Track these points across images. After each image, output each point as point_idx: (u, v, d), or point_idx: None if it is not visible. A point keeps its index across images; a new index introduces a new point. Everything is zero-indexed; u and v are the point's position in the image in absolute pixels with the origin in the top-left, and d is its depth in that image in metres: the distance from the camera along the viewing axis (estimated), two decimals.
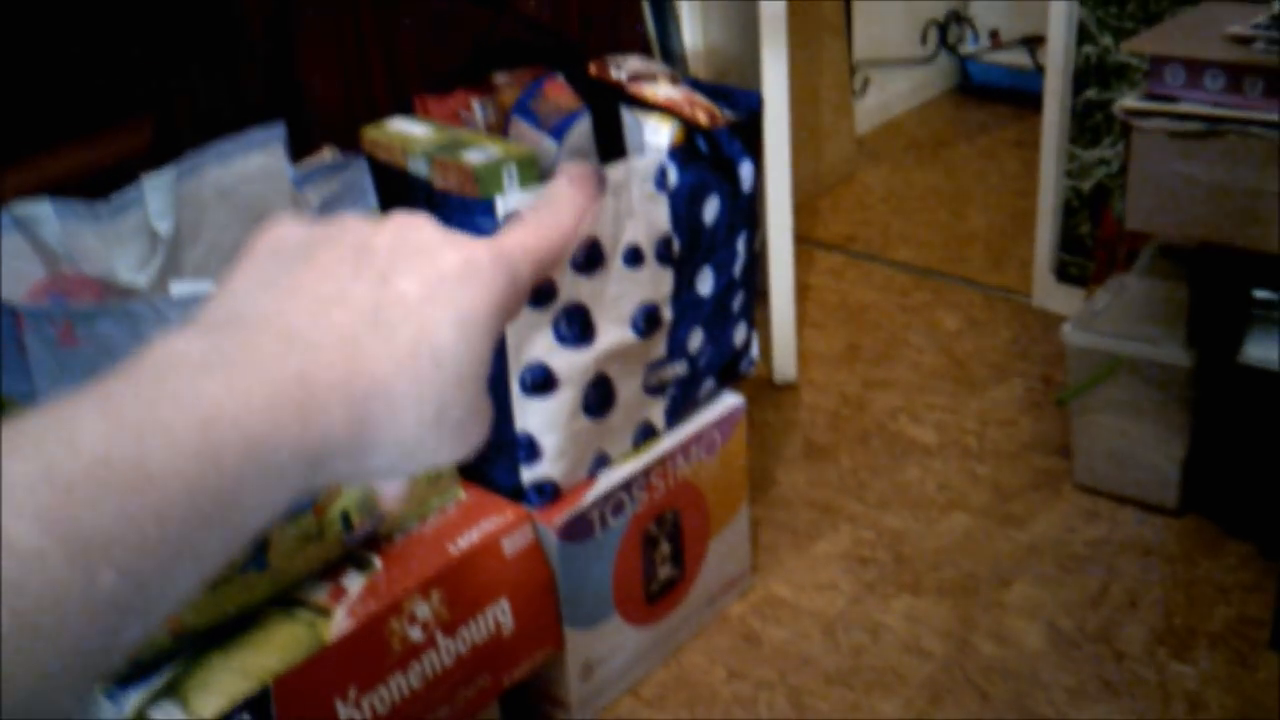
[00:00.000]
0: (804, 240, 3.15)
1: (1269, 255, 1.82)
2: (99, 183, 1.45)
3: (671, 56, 2.27)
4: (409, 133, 1.61)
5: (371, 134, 1.61)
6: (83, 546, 0.31)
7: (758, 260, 1.93)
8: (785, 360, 2.55)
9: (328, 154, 1.59)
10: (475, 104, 1.76)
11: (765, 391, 2.55)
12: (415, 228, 0.43)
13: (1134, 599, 1.94)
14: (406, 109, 1.72)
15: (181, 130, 1.52)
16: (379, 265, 0.42)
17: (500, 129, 1.72)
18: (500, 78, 1.77)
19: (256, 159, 1.50)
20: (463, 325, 0.42)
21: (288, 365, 0.38)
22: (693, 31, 2.64)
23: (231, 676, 1.35)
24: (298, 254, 0.42)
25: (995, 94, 4.03)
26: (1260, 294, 1.87)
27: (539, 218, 0.47)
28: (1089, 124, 2.58)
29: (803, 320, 2.78)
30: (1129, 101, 1.90)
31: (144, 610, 0.33)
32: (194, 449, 0.34)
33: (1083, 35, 2.54)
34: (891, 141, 3.81)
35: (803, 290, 2.90)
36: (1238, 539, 2.05)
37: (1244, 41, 1.81)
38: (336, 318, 0.40)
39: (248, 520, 0.36)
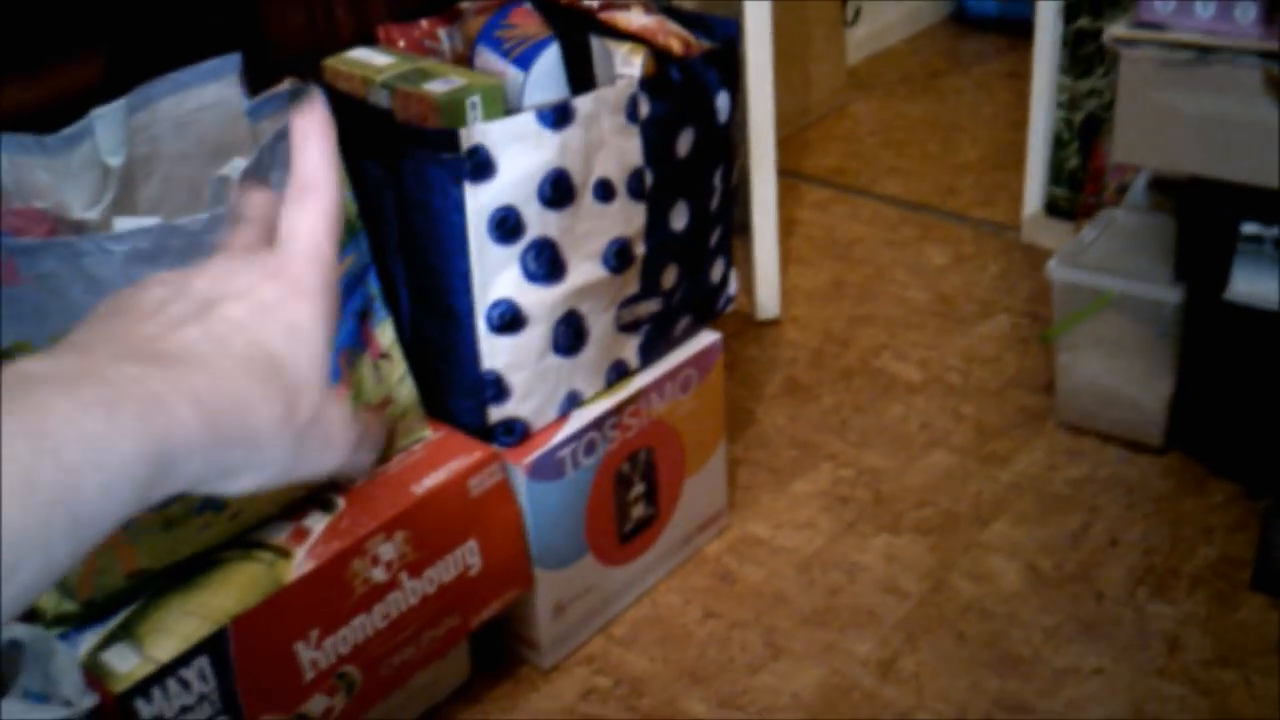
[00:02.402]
0: (791, 173, 3.10)
1: (1258, 188, 1.77)
2: (50, 117, 1.41)
3: None
4: (371, 62, 1.56)
5: (332, 64, 1.57)
6: None
7: (735, 194, 1.89)
8: (768, 296, 2.51)
9: (288, 84, 1.54)
10: (442, 33, 1.71)
11: (747, 328, 2.52)
12: (229, 273, 0.47)
13: (1115, 538, 1.92)
14: (370, 39, 1.67)
15: (136, 63, 1.47)
16: (204, 299, 0.46)
17: (467, 59, 1.67)
18: (467, 4, 1.72)
19: (211, 90, 1.46)
20: (293, 333, 0.46)
21: (124, 372, 0.41)
22: None
23: (188, 618, 1.33)
24: (132, 304, 0.46)
25: (990, 24, 3.96)
26: (1248, 228, 1.83)
27: (310, 196, 0.49)
28: (1081, 53, 2.52)
29: (788, 255, 2.74)
30: (1118, 29, 1.84)
31: None
32: (29, 445, 0.36)
33: None
34: (883, 72, 3.74)
35: (789, 224, 2.86)
36: (1222, 478, 2.02)
37: None
38: (172, 339, 0.44)
39: (94, 513, 0.38)
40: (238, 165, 1.28)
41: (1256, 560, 1.82)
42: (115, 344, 0.44)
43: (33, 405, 0.38)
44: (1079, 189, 2.61)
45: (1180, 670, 1.70)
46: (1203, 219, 1.91)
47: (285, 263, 0.47)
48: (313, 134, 0.50)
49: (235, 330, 0.45)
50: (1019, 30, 3.59)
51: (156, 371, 0.42)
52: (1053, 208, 2.68)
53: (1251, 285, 1.84)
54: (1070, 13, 2.50)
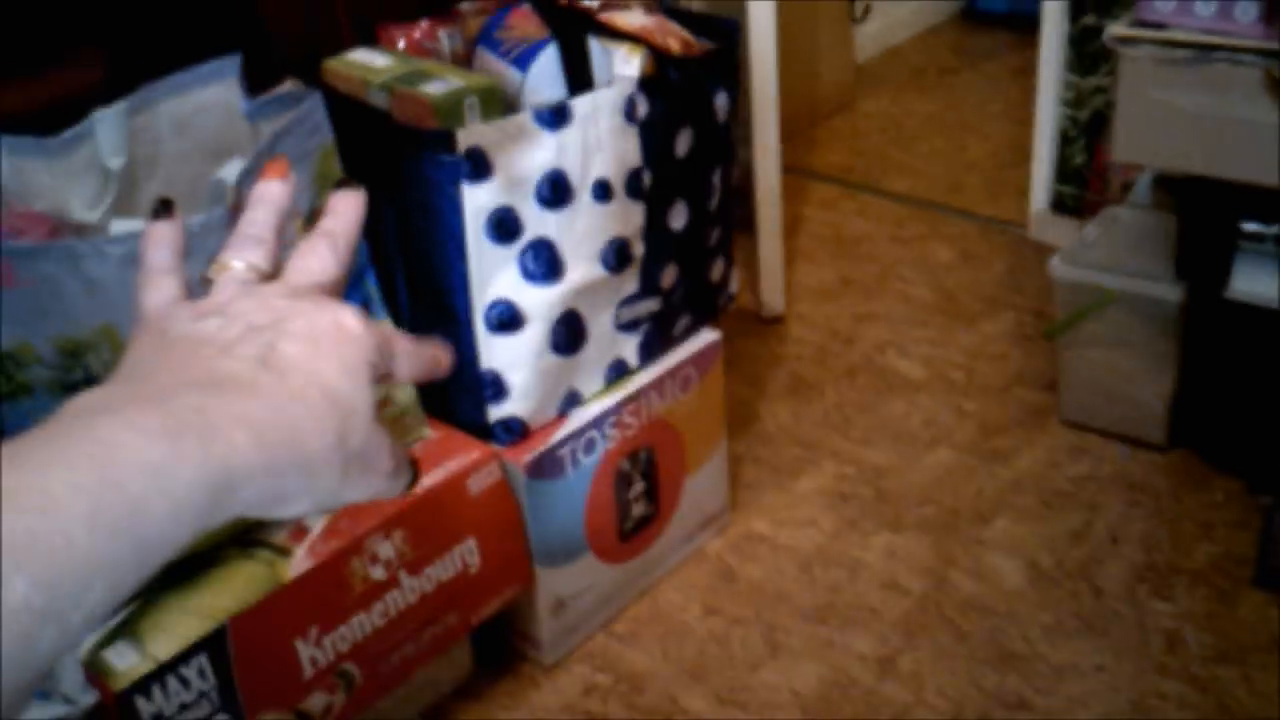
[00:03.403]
0: (798, 170, 3.11)
1: (1258, 187, 1.77)
2: (51, 119, 1.42)
3: None
4: (370, 63, 1.57)
5: (332, 65, 1.58)
6: None
7: (736, 193, 1.89)
8: (773, 293, 2.52)
9: (288, 86, 1.55)
10: (442, 34, 1.72)
11: (752, 325, 2.52)
12: (288, 311, 0.50)
13: (1116, 536, 1.92)
14: (370, 40, 1.68)
15: (137, 65, 1.48)
16: (264, 333, 0.48)
17: (467, 60, 1.68)
18: (466, 6, 1.73)
19: (212, 91, 1.47)
20: (345, 372, 0.48)
21: (186, 401, 0.43)
22: None
23: (188, 617, 1.34)
24: (187, 333, 0.49)
25: (1000, 20, 3.95)
26: (1249, 226, 1.83)
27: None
28: (1087, 51, 2.52)
29: (794, 252, 2.74)
30: (1118, 28, 1.84)
31: (59, 617, 0.37)
32: (94, 474, 0.38)
33: None
34: (892, 69, 3.74)
35: (795, 222, 2.87)
36: (1225, 475, 2.02)
37: None
38: (230, 366, 0.46)
39: (158, 539, 0.40)
40: (234, 166, 1.30)
41: (1258, 557, 1.82)
42: (172, 373, 0.46)
43: (97, 437, 0.40)
44: (1085, 186, 2.61)
45: (1180, 667, 1.70)
46: (1203, 217, 1.90)
47: (349, 312, 0.51)
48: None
49: (293, 368, 0.47)
50: (1028, 26, 3.58)
51: (215, 400, 0.44)
52: (1059, 205, 2.68)
53: (1252, 283, 1.84)
54: (1076, 10, 2.50)
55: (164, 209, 0.56)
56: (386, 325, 0.53)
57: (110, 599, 0.39)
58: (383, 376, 0.51)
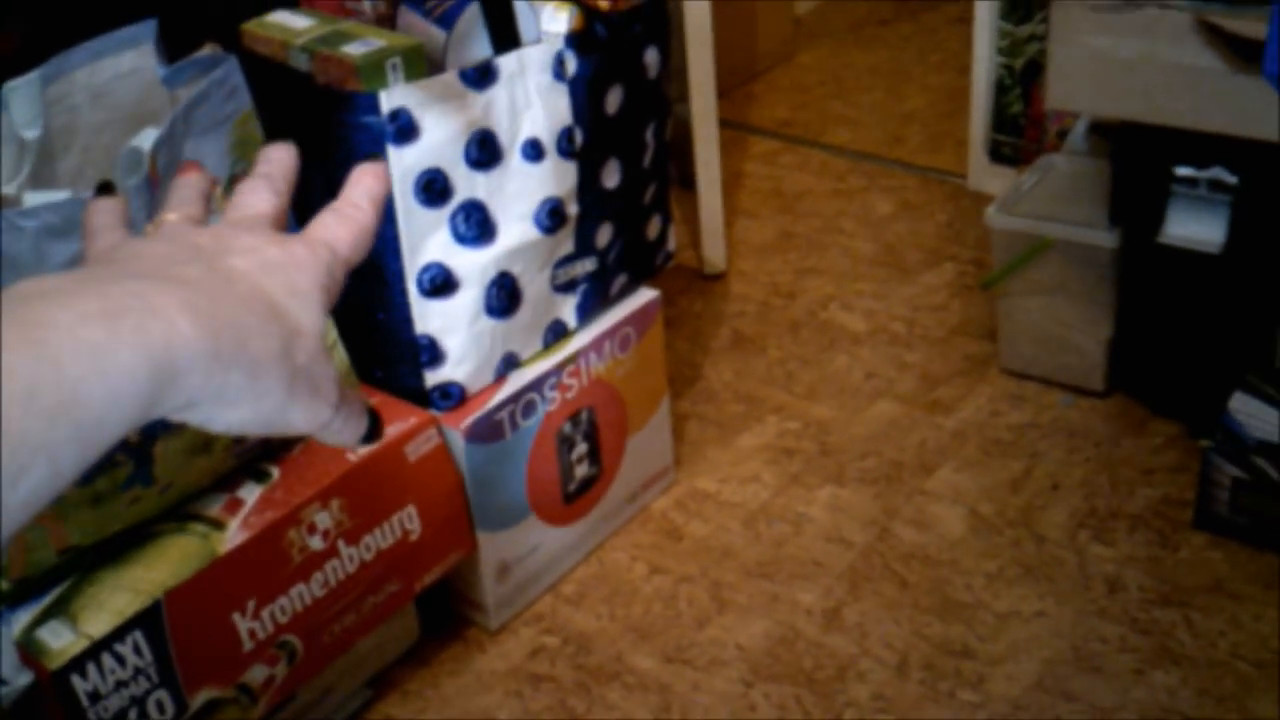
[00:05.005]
0: (738, 125, 3.09)
1: (1191, 131, 1.78)
2: None
3: None
4: (290, 25, 1.54)
5: (251, 28, 1.55)
6: None
7: (672, 149, 1.88)
8: (714, 250, 2.51)
9: (206, 50, 1.52)
10: None
11: (694, 282, 2.51)
12: (233, 235, 0.51)
13: (1056, 482, 1.94)
14: (290, 1, 1.65)
15: (51, 34, 1.44)
16: (208, 250, 0.49)
17: (390, 19, 1.65)
18: None
19: (128, 58, 1.43)
20: (292, 290, 0.48)
21: (128, 287, 0.42)
22: None
23: (122, 593, 1.32)
24: (132, 250, 0.50)
25: None
26: (1182, 170, 1.83)
27: (344, 212, 0.55)
28: None
29: (734, 209, 2.73)
30: None
31: None
32: (30, 353, 0.38)
33: None
34: (832, 21, 3.72)
35: (735, 177, 2.85)
36: (1164, 419, 2.04)
37: None
38: (174, 271, 0.46)
39: (97, 421, 0.39)
40: (149, 135, 1.27)
41: (1197, 500, 1.84)
42: (116, 268, 0.46)
43: (32, 318, 0.39)
44: (1021, 135, 2.61)
45: (1121, 611, 1.72)
46: (1136, 163, 1.91)
47: (296, 239, 0.51)
48: (370, 176, 0.58)
49: (237, 274, 0.47)
50: None
51: (157, 287, 0.43)
52: (997, 154, 2.69)
53: (1186, 228, 1.85)
54: None
55: (106, 189, 0.57)
56: (333, 240, 0.53)
57: (50, 484, 0.39)
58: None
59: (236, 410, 0.45)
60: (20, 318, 0.39)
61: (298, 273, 0.49)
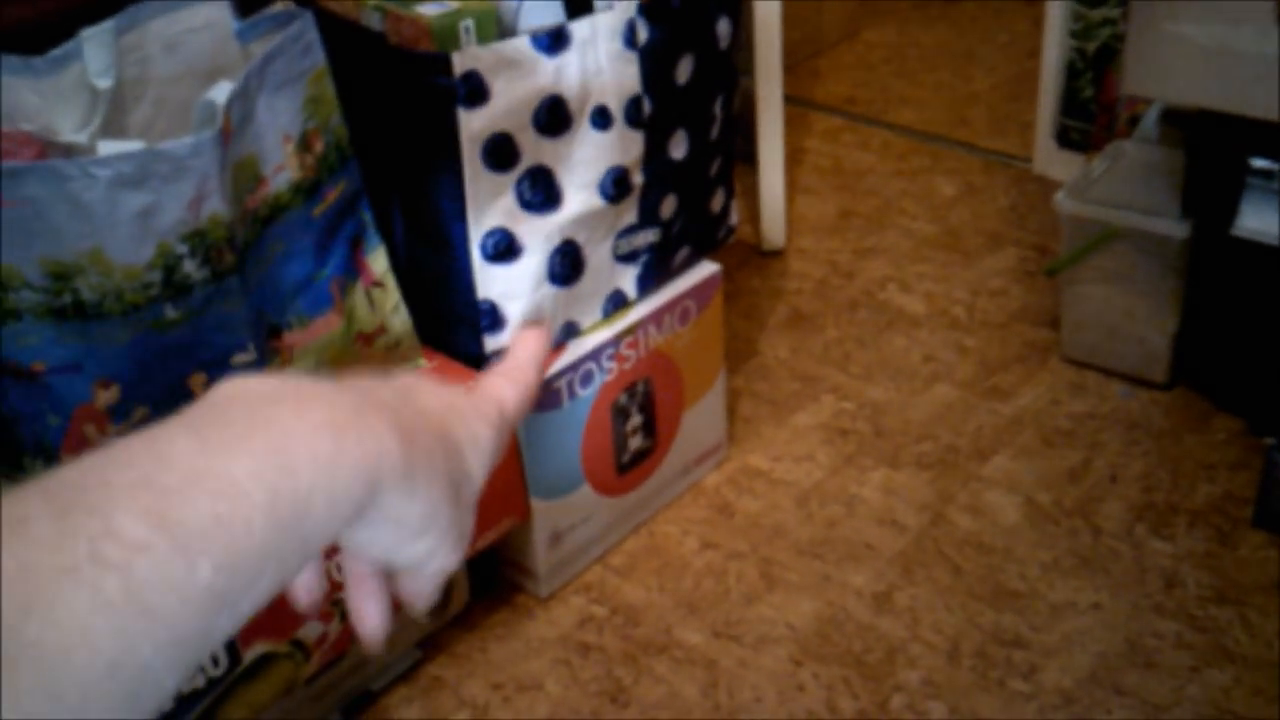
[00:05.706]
0: (801, 102, 3.06)
1: (1268, 123, 1.74)
2: (39, 38, 1.39)
3: None
4: None
5: None
6: (183, 541, 0.36)
7: (737, 123, 1.86)
8: (774, 226, 2.49)
9: (279, 6, 1.51)
10: None
11: (752, 259, 2.50)
12: (422, 381, 0.51)
13: (1115, 474, 1.91)
14: None
15: None
16: (401, 388, 0.49)
17: None
18: None
19: (202, 12, 1.43)
20: (473, 442, 0.50)
21: (345, 400, 0.43)
22: None
23: None
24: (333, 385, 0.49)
25: None
26: (1258, 163, 1.80)
27: (512, 374, 0.56)
28: None
29: (795, 185, 2.71)
30: None
31: (234, 604, 0.37)
32: (272, 461, 0.39)
33: None
34: None
35: (797, 154, 2.83)
36: (1226, 415, 2.01)
37: None
38: (376, 395, 0.46)
39: (317, 530, 0.40)
40: (224, 88, 1.27)
41: (1258, 498, 1.81)
42: (322, 383, 0.46)
43: (275, 427, 0.40)
44: (1091, 120, 2.57)
45: (1177, 607, 1.70)
46: (1211, 153, 1.87)
47: (479, 395, 0.53)
48: (534, 340, 0.59)
49: (430, 411, 0.48)
50: None
51: (370, 406, 0.44)
52: (1064, 139, 2.65)
53: (1259, 221, 1.81)
54: None
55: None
56: (503, 401, 0.54)
57: (273, 590, 0.39)
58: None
59: (422, 542, 0.46)
60: (261, 423, 0.40)
61: (478, 423, 0.51)
